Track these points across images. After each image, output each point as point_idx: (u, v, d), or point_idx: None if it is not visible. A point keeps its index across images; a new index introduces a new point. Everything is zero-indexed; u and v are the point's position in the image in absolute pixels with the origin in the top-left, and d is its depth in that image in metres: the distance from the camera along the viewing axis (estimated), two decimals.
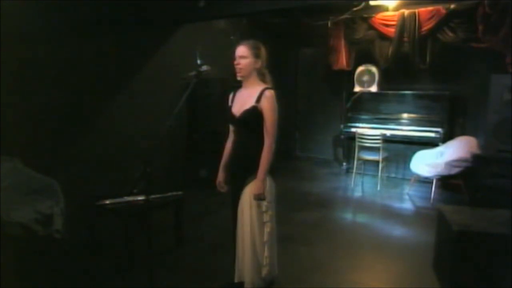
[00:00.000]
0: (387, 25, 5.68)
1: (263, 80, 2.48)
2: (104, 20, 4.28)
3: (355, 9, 5.68)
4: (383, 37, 5.79)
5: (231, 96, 2.59)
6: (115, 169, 4.31)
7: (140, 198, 3.29)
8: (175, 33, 5.30)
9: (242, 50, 2.41)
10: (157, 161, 4.74)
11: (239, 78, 2.46)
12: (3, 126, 3.34)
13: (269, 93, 2.38)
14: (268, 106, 2.36)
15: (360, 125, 6.29)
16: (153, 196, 3.31)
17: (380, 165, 5.61)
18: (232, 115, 2.50)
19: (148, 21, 4.81)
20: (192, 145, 5.58)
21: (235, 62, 2.42)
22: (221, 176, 2.68)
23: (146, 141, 4.33)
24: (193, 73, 2.34)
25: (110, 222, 3.39)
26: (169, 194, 3.58)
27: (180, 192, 3.64)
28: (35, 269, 2.79)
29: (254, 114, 2.37)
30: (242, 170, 2.46)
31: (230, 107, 2.54)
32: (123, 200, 3.34)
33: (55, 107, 3.89)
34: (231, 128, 2.64)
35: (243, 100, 2.45)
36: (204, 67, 2.35)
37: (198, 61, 5.04)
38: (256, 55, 2.42)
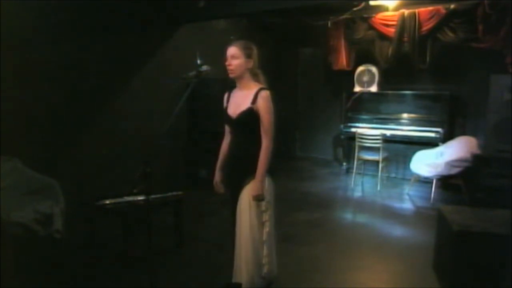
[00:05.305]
0: (387, 25, 5.68)
1: (257, 80, 2.47)
2: (104, 20, 4.28)
3: (355, 9, 5.67)
4: (383, 37, 5.79)
5: (226, 96, 2.58)
6: (115, 169, 4.31)
7: (140, 198, 3.29)
8: (175, 33, 5.30)
9: (233, 51, 2.40)
10: (157, 161, 4.75)
11: (231, 77, 2.45)
12: (3, 126, 3.35)
13: (265, 94, 2.38)
14: (264, 106, 2.36)
15: (360, 125, 6.28)
16: (153, 196, 3.29)
17: (380, 165, 5.60)
18: (228, 116, 2.49)
19: (148, 21, 4.81)
20: (192, 145, 5.58)
21: (227, 63, 2.41)
22: (218, 176, 2.68)
23: (146, 141, 4.33)
24: (193, 73, 2.33)
25: (110, 222, 3.39)
26: (169, 194, 3.58)
27: (180, 192, 3.64)
28: (35, 269, 2.79)
29: (250, 115, 2.37)
30: (240, 171, 2.46)
31: (226, 108, 2.53)
32: (123, 200, 3.34)
33: (55, 107, 3.90)
34: (227, 129, 2.63)
35: (238, 101, 2.45)
36: (204, 67, 2.34)
37: (198, 61, 5.04)
38: (248, 55, 2.40)
